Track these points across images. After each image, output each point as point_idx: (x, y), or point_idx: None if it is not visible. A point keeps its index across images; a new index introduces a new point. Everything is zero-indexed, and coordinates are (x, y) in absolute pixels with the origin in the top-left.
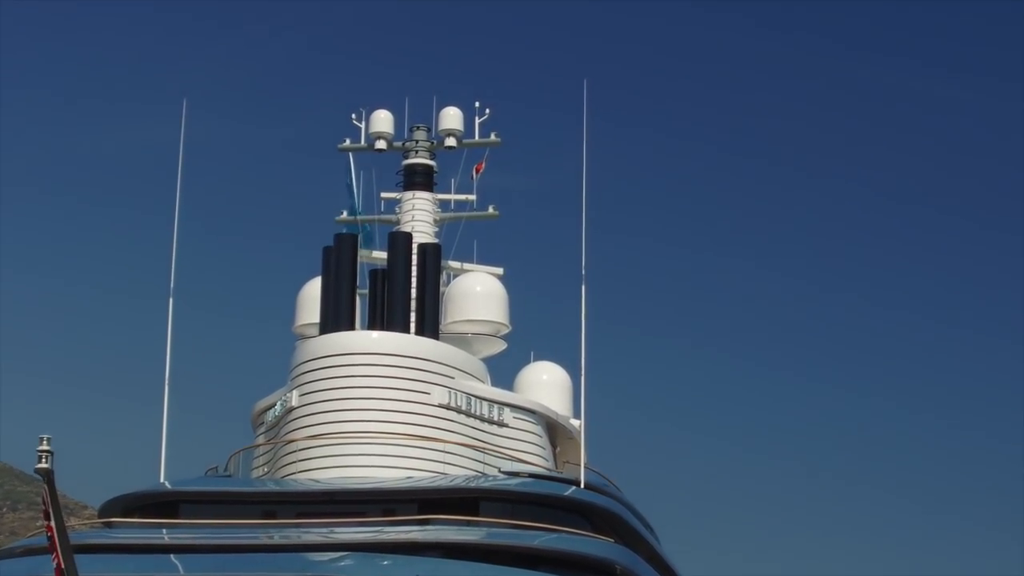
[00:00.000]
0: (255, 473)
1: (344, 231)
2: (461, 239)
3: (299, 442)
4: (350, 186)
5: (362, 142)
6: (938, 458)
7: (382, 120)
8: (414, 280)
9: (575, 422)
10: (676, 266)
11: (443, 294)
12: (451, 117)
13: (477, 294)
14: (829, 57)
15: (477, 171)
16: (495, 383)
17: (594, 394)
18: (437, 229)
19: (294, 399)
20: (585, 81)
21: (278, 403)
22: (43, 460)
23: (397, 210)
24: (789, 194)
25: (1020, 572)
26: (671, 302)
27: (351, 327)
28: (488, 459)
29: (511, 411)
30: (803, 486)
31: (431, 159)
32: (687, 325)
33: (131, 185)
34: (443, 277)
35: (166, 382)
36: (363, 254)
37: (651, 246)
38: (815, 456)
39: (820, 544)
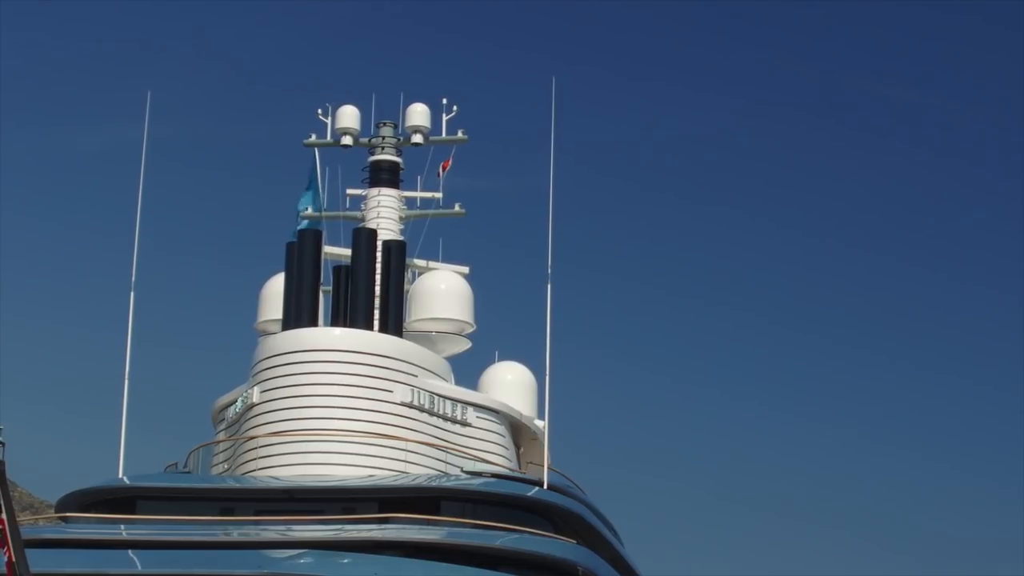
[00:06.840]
0: (215, 470)
1: (307, 226)
2: (427, 237)
3: (260, 439)
4: (314, 182)
5: (328, 138)
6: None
7: (348, 116)
8: (378, 277)
9: (539, 423)
10: (644, 266)
11: (407, 292)
12: (418, 114)
13: (442, 292)
14: (811, 55)
15: (444, 168)
16: (459, 382)
17: (559, 395)
18: (402, 226)
19: (255, 395)
20: (554, 79)
21: (239, 399)
22: None
23: (362, 207)
24: (769, 189)
25: (1021, 572)
26: (639, 304)
27: (314, 324)
28: (450, 458)
29: (474, 411)
30: (769, 490)
31: (397, 156)
32: (655, 327)
33: (96, 183)
34: (408, 275)
35: (126, 377)
36: (327, 251)
37: (619, 246)
38: (782, 461)
39: (786, 548)
